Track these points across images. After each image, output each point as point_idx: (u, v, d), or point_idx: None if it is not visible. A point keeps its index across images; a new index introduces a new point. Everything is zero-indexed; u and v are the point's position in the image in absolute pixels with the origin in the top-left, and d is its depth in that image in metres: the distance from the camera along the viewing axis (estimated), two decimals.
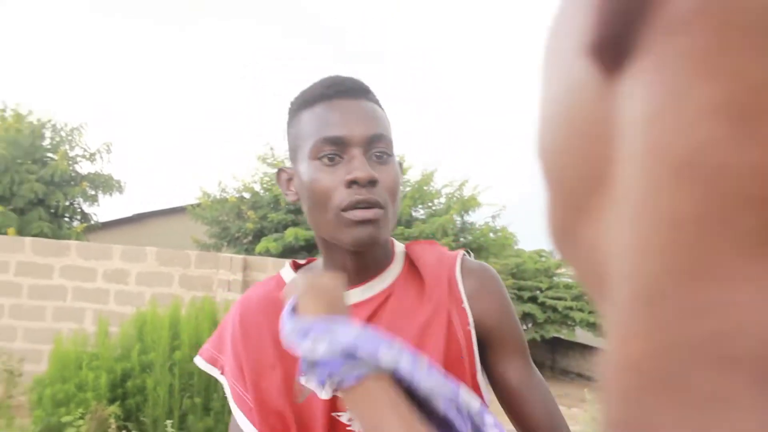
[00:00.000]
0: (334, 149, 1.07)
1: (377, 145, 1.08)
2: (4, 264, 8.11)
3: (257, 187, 13.14)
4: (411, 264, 1.19)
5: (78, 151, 13.61)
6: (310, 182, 1.08)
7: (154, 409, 6.07)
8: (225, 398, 6.13)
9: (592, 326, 14.78)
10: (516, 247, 14.94)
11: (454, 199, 12.74)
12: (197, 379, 6.17)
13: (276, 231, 12.26)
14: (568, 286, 15.29)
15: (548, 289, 15.09)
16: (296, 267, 1.25)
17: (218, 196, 13.44)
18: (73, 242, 8.56)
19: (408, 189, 12.84)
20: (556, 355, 17.72)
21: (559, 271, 16.25)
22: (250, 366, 1.14)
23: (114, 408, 5.98)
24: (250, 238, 12.82)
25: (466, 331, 1.11)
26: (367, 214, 1.05)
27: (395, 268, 1.17)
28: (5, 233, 11.37)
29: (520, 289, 14.05)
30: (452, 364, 1.08)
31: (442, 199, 12.89)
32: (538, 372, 1.19)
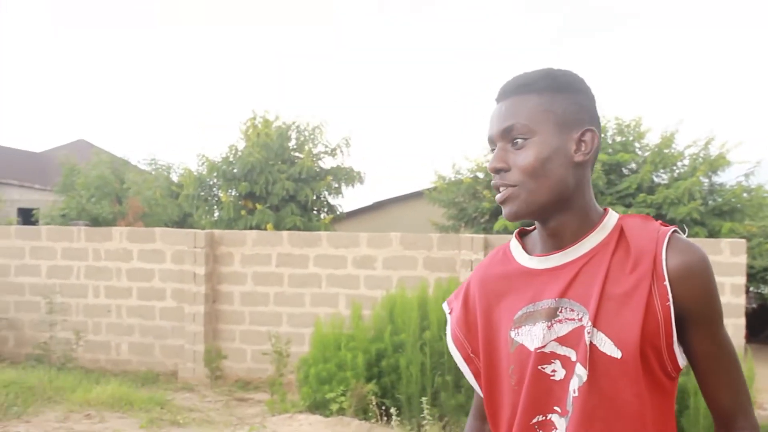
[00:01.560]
0: (492, 146, 1.37)
1: (510, 135, 1.32)
2: (267, 257, 8.92)
3: None
4: (622, 235, 1.31)
5: (320, 148, 14.56)
6: None
7: (408, 386, 6.35)
8: None
9: None
10: None
11: (700, 159, 11.84)
12: (447, 357, 6.34)
13: None
14: None
15: None
16: (522, 234, 1.47)
17: (453, 178, 13.67)
18: (323, 233, 9.19)
19: (647, 154, 12.17)
20: None
21: None
22: (482, 321, 1.41)
23: (371, 386, 6.36)
24: (487, 217, 12.89)
25: (665, 306, 1.23)
26: (498, 196, 1.34)
27: (596, 237, 1.32)
28: (265, 228, 12.50)
29: None
30: (649, 332, 1.23)
31: (686, 161, 12.04)
32: (731, 346, 1.31)
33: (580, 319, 1.26)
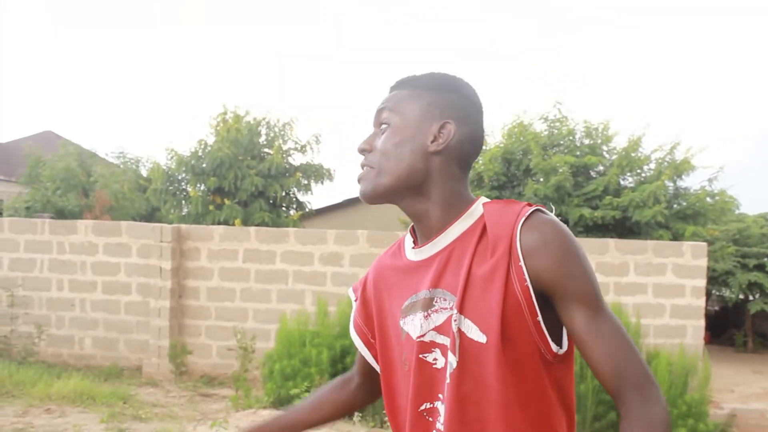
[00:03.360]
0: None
1: (379, 120, 1.41)
2: (234, 252, 8.89)
3: None
4: (483, 220, 1.34)
5: (290, 144, 14.52)
6: None
7: None
8: None
9: None
10: (738, 212, 13.82)
11: (665, 163, 12.03)
12: None
13: None
14: None
15: None
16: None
17: None
18: (291, 229, 9.19)
19: (614, 157, 12.34)
20: None
21: None
22: (377, 310, 1.48)
23: None
24: None
25: (524, 287, 1.24)
26: (358, 176, 1.41)
27: (461, 225, 1.35)
28: (233, 224, 12.45)
29: (744, 256, 12.91)
30: (512, 315, 1.24)
31: (652, 165, 12.22)
32: (613, 320, 1.27)
33: (452, 308, 1.29)
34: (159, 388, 8.07)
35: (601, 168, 12.26)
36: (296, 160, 14.63)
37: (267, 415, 6.18)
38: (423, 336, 1.33)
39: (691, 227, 10.98)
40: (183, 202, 14.27)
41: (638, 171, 12.17)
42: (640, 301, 8.08)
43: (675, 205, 11.79)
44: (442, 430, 1.31)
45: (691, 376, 6.58)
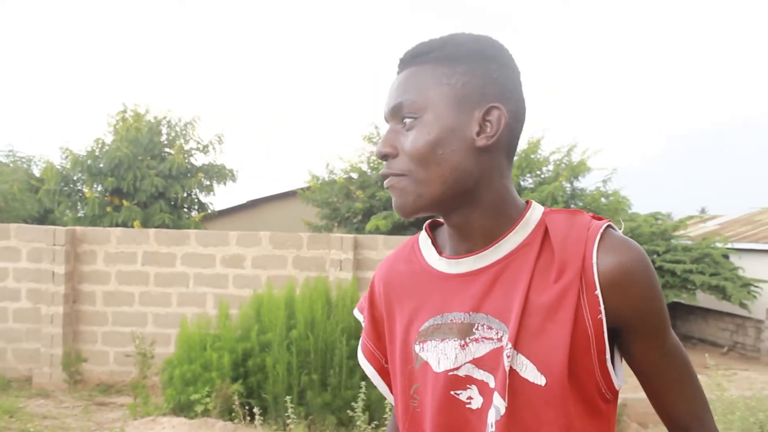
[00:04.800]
0: (387, 125, 1.15)
1: (401, 113, 1.10)
2: (132, 255, 8.62)
3: (364, 167, 13.31)
4: (547, 234, 1.10)
5: (192, 144, 14.21)
6: None
7: (274, 386, 6.32)
8: (341, 374, 6.32)
9: (714, 289, 14.13)
10: (630, 211, 14.46)
11: (563, 165, 12.46)
12: (314, 356, 6.36)
13: (385, 209, 12.40)
14: (686, 249, 14.66)
15: (666, 252, 14.53)
16: (433, 226, 1.25)
17: (327, 179, 13.70)
18: (192, 231, 8.98)
19: (515, 158, 12.65)
20: (677, 321, 17.09)
21: (676, 233, 15.60)
22: (389, 327, 1.22)
23: (237, 386, 6.28)
24: (359, 217, 13.01)
25: (596, 320, 1.03)
26: (385, 184, 1.12)
27: (516, 237, 1.10)
28: (132, 226, 12.07)
29: None
30: (579, 352, 1.03)
31: (551, 167, 12.64)
32: (678, 345, 1.14)
33: (500, 339, 1.06)
34: (51, 399, 7.72)
35: None
36: (198, 160, 14.32)
37: (166, 422, 6.02)
38: (457, 369, 1.09)
39: None
40: (79, 203, 13.72)
41: (537, 172, 12.55)
42: None
43: (572, 205, 12.20)
44: None
45: None
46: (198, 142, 14.23)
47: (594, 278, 1.03)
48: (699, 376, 1.22)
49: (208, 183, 14.26)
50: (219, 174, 14.27)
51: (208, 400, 6.21)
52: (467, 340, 1.08)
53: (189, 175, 13.91)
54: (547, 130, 13.47)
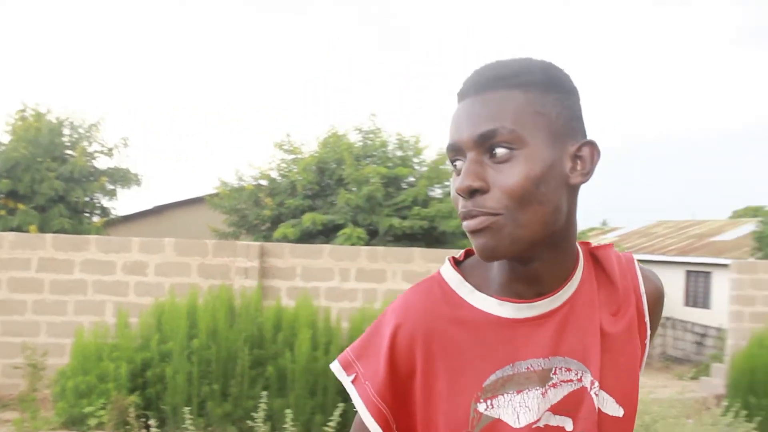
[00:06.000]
0: (455, 155, 1.00)
1: (488, 143, 0.95)
2: (26, 261, 8.24)
3: (274, 174, 13.20)
4: (597, 266, 1.09)
5: (96, 147, 13.76)
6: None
7: (174, 396, 6.15)
8: (243, 384, 6.21)
9: None
10: None
11: None
12: (215, 366, 6.24)
13: (293, 217, 12.32)
14: None
15: None
16: (456, 262, 1.10)
17: (235, 185, 13.52)
18: (92, 237, 8.66)
19: (424, 169, 12.82)
20: None
21: None
22: (424, 384, 1.03)
23: (134, 397, 6.08)
24: (268, 224, 12.89)
25: (644, 345, 1.09)
26: (471, 224, 0.96)
27: (578, 273, 1.06)
28: (27, 231, 11.55)
29: None
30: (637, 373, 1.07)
31: None
32: None
33: (579, 380, 1.01)
34: None
35: (411, 179, 12.70)
36: (102, 163, 13.89)
37: None
38: (537, 421, 0.99)
39: None
40: None
41: (446, 183, 12.73)
42: None
43: None
44: None
45: None
46: (102, 145, 13.81)
47: (644, 307, 1.09)
48: None
49: (111, 187, 13.84)
50: (124, 178, 13.88)
51: (102, 412, 5.99)
52: (546, 386, 1.00)
53: (92, 178, 13.48)
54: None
